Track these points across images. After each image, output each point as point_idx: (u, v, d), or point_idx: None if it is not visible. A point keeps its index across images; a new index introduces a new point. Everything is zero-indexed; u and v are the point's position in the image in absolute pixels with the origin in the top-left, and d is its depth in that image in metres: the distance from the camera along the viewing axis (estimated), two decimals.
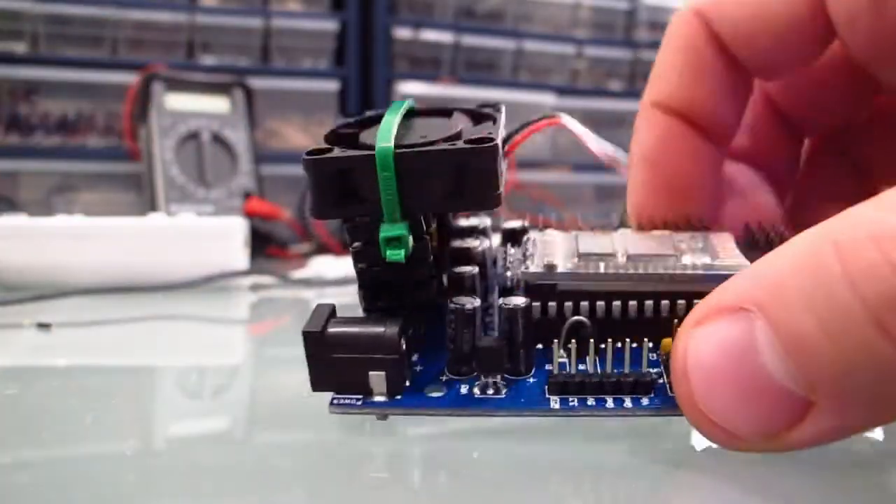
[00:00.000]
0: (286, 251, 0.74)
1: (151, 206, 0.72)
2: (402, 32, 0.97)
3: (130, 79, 0.81)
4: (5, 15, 0.82)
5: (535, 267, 0.19)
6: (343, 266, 0.53)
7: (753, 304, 0.13)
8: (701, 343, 0.14)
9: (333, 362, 0.17)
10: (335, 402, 0.17)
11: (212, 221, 0.52)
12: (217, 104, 0.78)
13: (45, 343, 0.31)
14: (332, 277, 0.50)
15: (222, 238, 0.48)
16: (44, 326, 0.33)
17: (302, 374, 0.24)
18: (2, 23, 0.82)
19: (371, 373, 0.17)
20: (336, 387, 0.17)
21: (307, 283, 0.49)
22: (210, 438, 0.20)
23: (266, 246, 0.72)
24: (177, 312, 0.40)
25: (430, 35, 0.99)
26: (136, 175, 0.82)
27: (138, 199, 0.82)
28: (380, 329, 0.17)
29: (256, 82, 0.85)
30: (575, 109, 1.05)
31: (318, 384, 0.17)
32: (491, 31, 1.03)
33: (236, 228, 0.48)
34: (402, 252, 0.17)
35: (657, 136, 0.22)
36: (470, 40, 1.01)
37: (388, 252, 0.17)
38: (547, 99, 1.01)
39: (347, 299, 0.51)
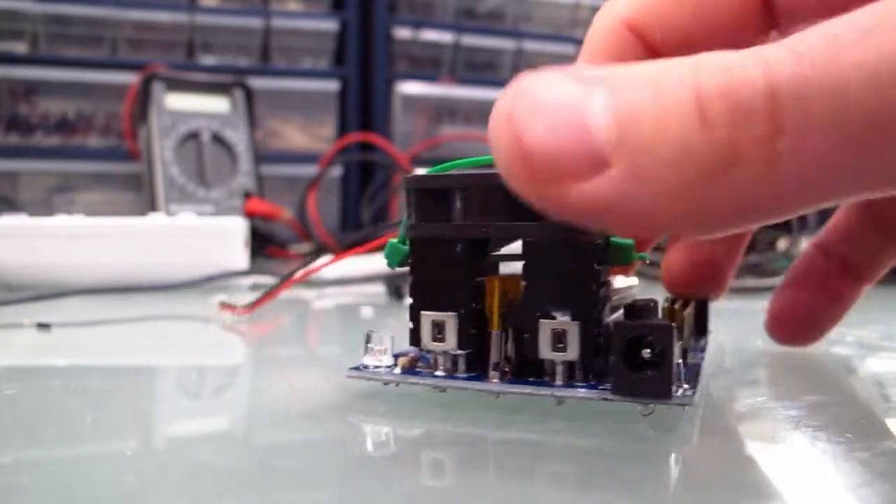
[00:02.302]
0: (286, 251, 0.74)
1: (151, 206, 0.72)
2: (402, 32, 0.97)
3: (130, 79, 0.81)
4: (5, 15, 0.82)
5: None
6: (343, 266, 0.52)
7: (606, 80, 0.14)
8: (551, 84, 0.14)
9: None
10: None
11: (212, 221, 0.52)
12: (217, 104, 0.78)
13: (45, 343, 0.31)
14: (332, 277, 0.50)
15: (222, 238, 0.48)
16: (44, 326, 0.33)
17: (302, 373, 0.24)
18: (2, 23, 0.82)
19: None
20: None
21: (307, 283, 0.49)
22: (210, 438, 0.20)
23: (266, 246, 0.72)
24: (177, 312, 0.40)
25: (430, 35, 0.99)
26: (136, 175, 0.83)
27: (138, 199, 0.82)
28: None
29: (256, 82, 0.85)
30: None
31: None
32: (491, 31, 1.03)
33: (236, 228, 0.48)
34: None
35: None
36: (470, 40, 1.01)
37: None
38: None
39: (348, 299, 0.51)
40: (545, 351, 0.18)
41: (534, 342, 0.19)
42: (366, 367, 0.21)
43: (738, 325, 0.39)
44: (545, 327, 0.18)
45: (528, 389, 0.19)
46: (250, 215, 0.71)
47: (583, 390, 0.18)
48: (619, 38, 0.20)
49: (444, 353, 0.20)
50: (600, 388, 0.18)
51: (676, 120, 0.12)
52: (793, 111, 0.12)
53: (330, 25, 0.94)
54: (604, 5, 0.20)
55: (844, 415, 0.22)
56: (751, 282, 0.49)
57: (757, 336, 0.31)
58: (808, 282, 0.27)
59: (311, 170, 0.88)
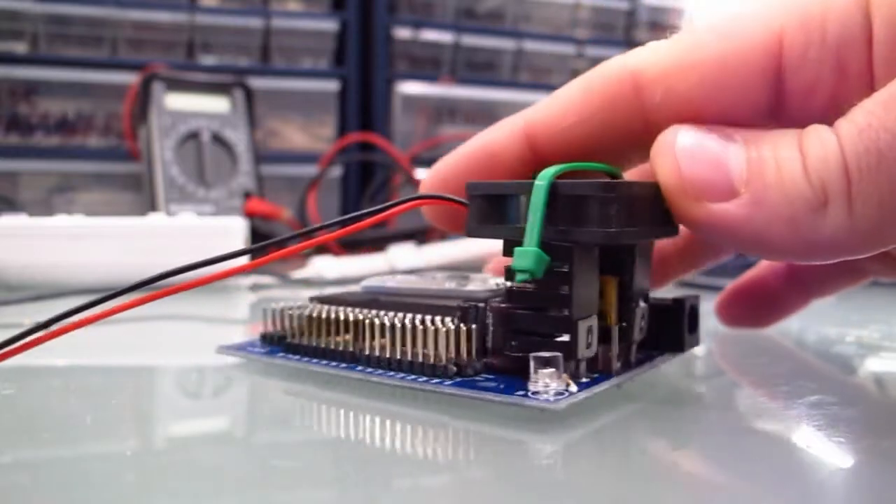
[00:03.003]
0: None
1: (151, 206, 0.72)
2: (402, 32, 0.97)
3: (130, 79, 0.81)
4: (5, 15, 0.82)
5: None
6: (343, 266, 0.53)
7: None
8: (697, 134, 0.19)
9: None
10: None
11: (212, 221, 0.52)
12: (217, 104, 0.78)
13: (45, 343, 0.31)
14: (332, 277, 0.50)
15: (222, 238, 0.48)
16: (44, 326, 0.33)
17: (301, 373, 0.24)
18: (2, 23, 0.82)
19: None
20: None
21: (307, 283, 0.49)
22: (210, 438, 0.20)
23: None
24: (177, 312, 0.40)
25: (430, 35, 0.99)
26: (136, 175, 0.83)
27: (138, 199, 0.82)
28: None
29: (256, 82, 0.85)
30: None
31: None
32: (491, 31, 1.03)
33: (236, 228, 0.48)
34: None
35: None
36: (470, 40, 1.01)
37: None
38: None
39: None
40: (637, 334, 0.22)
41: (630, 329, 0.22)
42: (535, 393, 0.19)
43: None
44: (639, 313, 0.22)
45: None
46: (250, 215, 0.70)
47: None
48: (620, 88, 0.20)
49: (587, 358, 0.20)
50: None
51: (789, 168, 0.17)
52: (856, 168, 0.16)
53: (330, 25, 0.94)
54: (616, 58, 0.21)
55: (844, 415, 0.22)
56: None
57: (757, 336, 0.31)
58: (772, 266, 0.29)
59: (311, 170, 0.88)
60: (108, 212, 0.73)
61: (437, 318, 0.21)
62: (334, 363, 0.23)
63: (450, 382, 0.20)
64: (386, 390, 0.22)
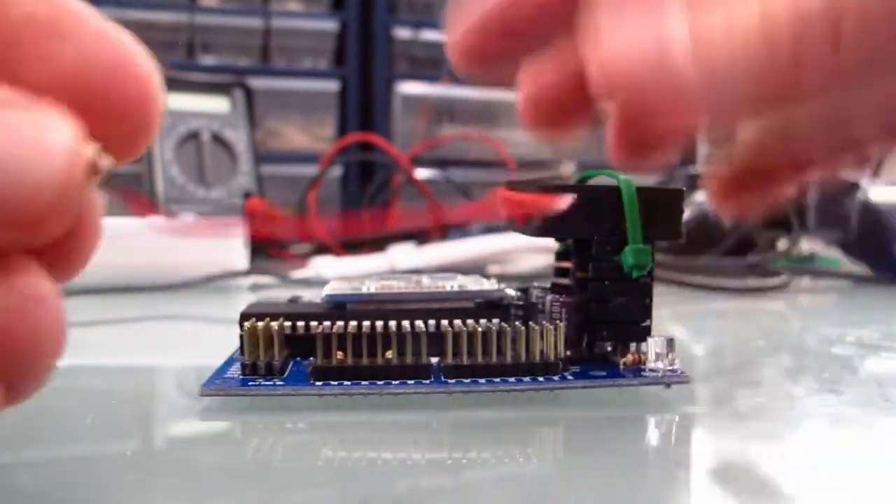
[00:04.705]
0: (286, 251, 0.74)
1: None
2: (402, 32, 0.97)
3: None
4: None
5: None
6: (343, 266, 0.53)
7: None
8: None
9: None
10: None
11: (212, 221, 0.52)
12: (217, 104, 0.78)
13: None
14: (332, 277, 0.50)
15: (222, 238, 0.48)
16: None
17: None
18: None
19: None
20: None
21: (307, 283, 0.49)
22: (210, 438, 0.20)
23: (266, 246, 0.72)
24: (177, 312, 0.40)
25: (430, 35, 0.99)
26: (136, 175, 0.83)
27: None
28: None
29: (256, 82, 0.85)
30: None
31: None
32: None
33: (236, 228, 0.48)
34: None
35: None
36: None
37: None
38: None
39: None
40: None
41: None
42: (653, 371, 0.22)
43: (738, 325, 0.39)
44: None
45: None
46: (250, 215, 0.70)
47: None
48: None
49: None
50: None
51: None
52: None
53: (330, 25, 0.94)
54: None
55: (844, 415, 0.22)
56: (751, 282, 0.49)
57: (757, 336, 0.31)
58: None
59: (311, 170, 0.88)
60: (108, 212, 0.72)
61: (530, 322, 0.22)
62: (392, 382, 0.21)
63: (557, 378, 0.21)
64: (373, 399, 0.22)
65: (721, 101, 0.15)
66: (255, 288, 0.48)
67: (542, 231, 0.23)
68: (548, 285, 0.25)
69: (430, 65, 1.01)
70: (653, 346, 0.22)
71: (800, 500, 0.16)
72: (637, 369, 0.22)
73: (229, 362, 0.23)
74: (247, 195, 0.76)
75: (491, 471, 0.17)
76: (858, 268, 0.53)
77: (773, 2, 0.14)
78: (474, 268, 0.47)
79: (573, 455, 0.19)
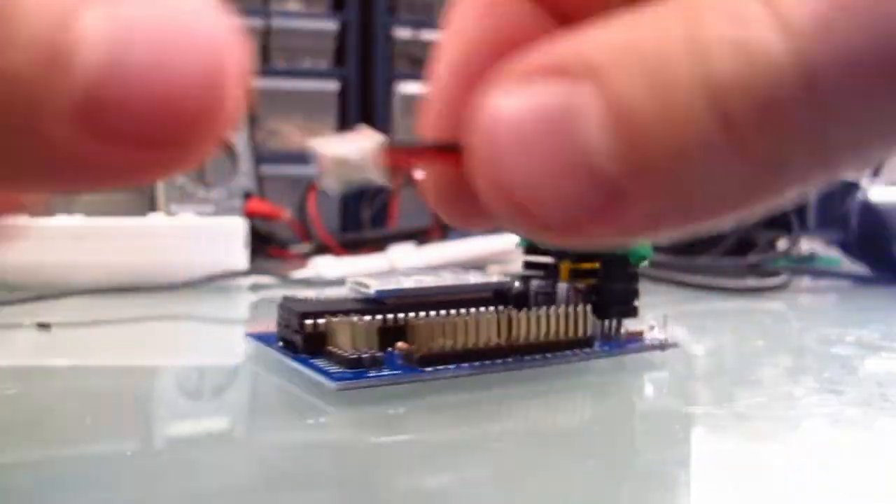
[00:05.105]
0: (286, 251, 0.74)
1: (151, 206, 0.72)
2: (402, 32, 0.97)
3: None
4: None
5: None
6: (343, 266, 0.52)
7: (582, 67, 0.11)
8: (514, 103, 0.11)
9: None
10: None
11: (212, 221, 0.52)
12: None
13: (45, 343, 0.31)
14: (332, 277, 0.50)
15: (222, 238, 0.48)
16: (44, 326, 0.33)
17: (300, 373, 0.24)
18: None
19: None
20: None
21: (307, 283, 0.49)
22: (210, 438, 0.20)
23: (266, 246, 0.72)
24: (177, 312, 0.40)
25: (430, 35, 0.99)
26: None
27: (138, 199, 0.82)
28: None
29: (256, 82, 0.85)
30: None
31: None
32: None
33: (236, 228, 0.48)
34: None
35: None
36: None
37: None
38: None
39: None
40: None
41: None
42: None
43: (737, 325, 0.39)
44: None
45: None
46: (250, 215, 0.70)
47: None
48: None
49: None
50: None
51: (694, 130, 0.10)
52: (834, 101, 0.09)
53: (330, 25, 0.94)
54: None
55: (844, 415, 0.22)
56: (751, 282, 0.49)
57: (757, 336, 0.31)
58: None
59: (311, 170, 0.88)
60: (108, 212, 0.72)
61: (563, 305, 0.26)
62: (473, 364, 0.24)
63: (589, 350, 0.25)
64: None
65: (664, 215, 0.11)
66: (255, 288, 0.48)
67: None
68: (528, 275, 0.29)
69: (430, 65, 1.01)
70: (650, 320, 0.27)
71: (800, 499, 0.16)
72: (637, 339, 0.27)
73: (303, 361, 0.23)
74: (247, 195, 0.76)
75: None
76: (858, 268, 0.53)
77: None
78: (474, 267, 0.47)
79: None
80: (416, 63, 1.01)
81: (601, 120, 0.10)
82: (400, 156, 0.12)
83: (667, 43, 0.10)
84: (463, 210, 0.14)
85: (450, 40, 0.15)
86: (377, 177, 0.12)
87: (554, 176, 0.11)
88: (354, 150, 0.12)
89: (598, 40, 0.11)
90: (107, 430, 0.20)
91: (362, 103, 0.98)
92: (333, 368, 0.22)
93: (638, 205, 0.11)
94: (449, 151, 0.12)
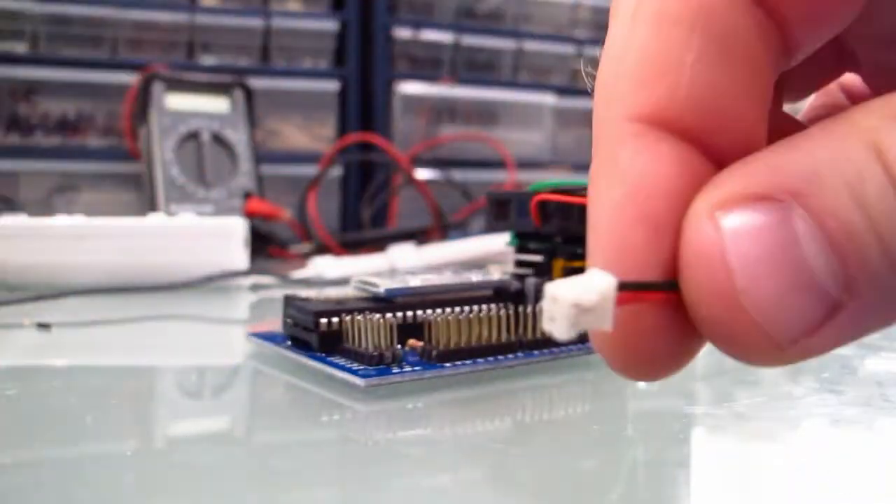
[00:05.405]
0: (286, 251, 0.74)
1: (151, 206, 0.72)
2: (402, 32, 0.97)
3: (130, 79, 0.80)
4: (5, 15, 0.82)
5: None
6: (343, 266, 0.53)
7: (787, 193, 0.11)
8: (739, 229, 0.12)
9: None
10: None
11: (212, 221, 0.52)
12: (217, 104, 0.78)
13: (45, 343, 0.31)
14: (332, 277, 0.50)
15: (222, 238, 0.48)
16: (44, 326, 0.33)
17: (301, 373, 0.24)
18: (2, 23, 0.82)
19: None
20: None
21: (307, 283, 0.49)
22: (210, 438, 0.20)
23: (266, 246, 0.72)
24: (177, 312, 0.40)
25: (430, 35, 0.99)
26: (136, 175, 0.82)
27: (138, 199, 0.82)
28: None
29: (256, 82, 0.85)
30: (575, 109, 1.05)
31: None
32: (491, 31, 1.03)
33: (236, 228, 0.48)
34: None
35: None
36: (470, 40, 1.01)
37: None
38: (547, 99, 1.01)
39: None
40: None
41: None
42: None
43: None
44: None
45: None
46: (250, 215, 0.70)
47: None
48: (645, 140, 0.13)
49: None
50: None
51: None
52: None
53: (330, 25, 0.94)
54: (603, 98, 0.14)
55: (844, 415, 0.22)
56: None
57: None
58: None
59: (311, 170, 0.88)
60: (109, 212, 0.72)
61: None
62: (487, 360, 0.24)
63: (574, 347, 0.26)
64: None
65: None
66: (255, 288, 0.48)
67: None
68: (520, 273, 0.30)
69: (430, 65, 1.01)
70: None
71: (800, 499, 0.16)
72: None
73: (321, 357, 0.24)
74: (247, 195, 0.76)
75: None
76: None
77: None
78: (474, 267, 0.47)
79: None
80: (416, 63, 1.01)
81: (817, 239, 0.11)
82: (629, 296, 0.12)
83: (853, 154, 0.11)
84: (656, 350, 0.13)
85: (612, 185, 0.13)
86: (608, 321, 0.11)
87: (783, 295, 0.11)
88: (593, 293, 0.11)
89: (784, 166, 0.11)
90: (107, 430, 0.20)
91: (362, 103, 0.98)
92: (356, 366, 0.22)
93: (851, 315, 0.11)
94: (666, 289, 0.12)
